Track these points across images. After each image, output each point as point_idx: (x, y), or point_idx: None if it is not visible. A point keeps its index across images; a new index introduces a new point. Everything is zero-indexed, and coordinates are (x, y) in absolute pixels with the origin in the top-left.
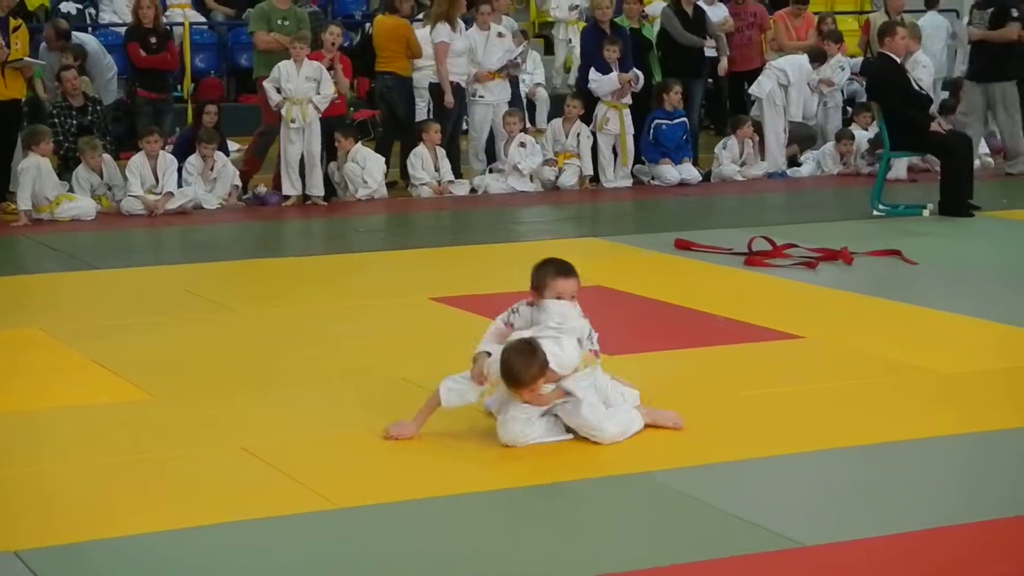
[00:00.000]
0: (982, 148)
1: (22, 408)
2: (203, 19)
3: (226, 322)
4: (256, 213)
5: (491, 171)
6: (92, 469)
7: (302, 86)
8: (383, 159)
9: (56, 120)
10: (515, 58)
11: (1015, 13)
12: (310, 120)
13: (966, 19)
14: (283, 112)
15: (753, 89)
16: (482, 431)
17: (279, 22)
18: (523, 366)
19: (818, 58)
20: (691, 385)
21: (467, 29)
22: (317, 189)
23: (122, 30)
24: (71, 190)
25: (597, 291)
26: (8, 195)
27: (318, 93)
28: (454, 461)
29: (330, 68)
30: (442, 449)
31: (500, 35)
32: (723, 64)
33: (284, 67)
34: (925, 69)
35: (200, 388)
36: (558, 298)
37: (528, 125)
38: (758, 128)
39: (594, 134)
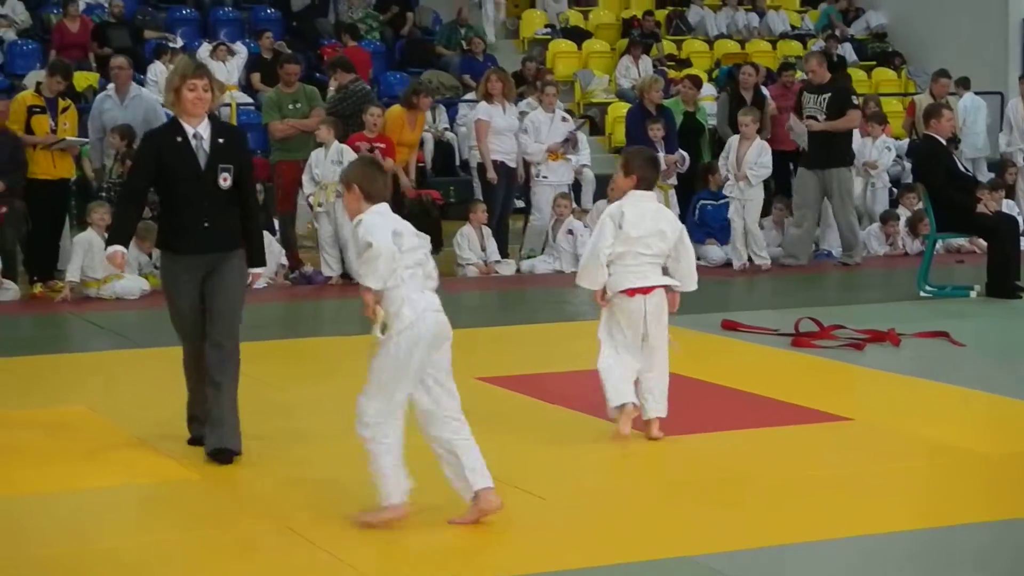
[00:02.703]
0: None
1: (69, 487)
2: (249, 100)
3: (272, 401)
4: (302, 292)
5: (532, 255)
6: (139, 548)
7: (328, 170)
8: (428, 238)
9: (107, 196)
10: (574, 131)
11: (856, 100)
12: (335, 203)
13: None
14: (309, 200)
15: None
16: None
17: (290, 107)
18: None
19: None
20: (739, 467)
21: (515, 109)
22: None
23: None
24: None
25: None
26: (56, 273)
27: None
28: (477, 542)
29: (371, 150)
30: (461, 530)
31: (564, 119)
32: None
33: (315, 155)
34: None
35: (246, 467)
36: None
37: (574, 205)
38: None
39: None
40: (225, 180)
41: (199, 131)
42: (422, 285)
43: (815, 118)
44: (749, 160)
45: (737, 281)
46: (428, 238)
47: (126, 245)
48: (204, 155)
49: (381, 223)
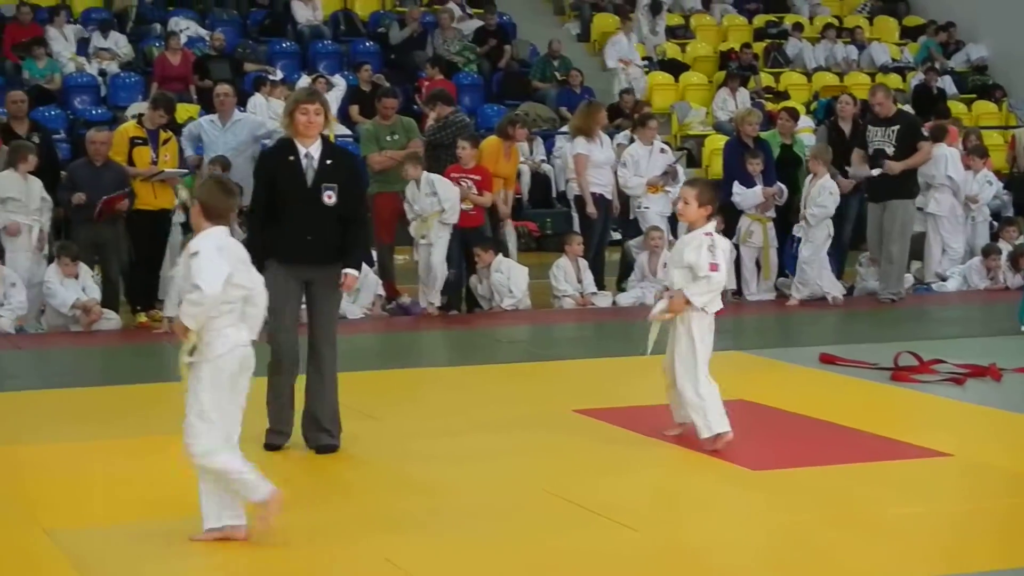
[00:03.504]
0: None
1: (171, 515)
2: (348, 132)
3: (371, 431)
4: (399, 323)
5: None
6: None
7: (425, 202)
8: (526, 269)
9: None
10: (673, 164)
11: (926, 132)
12: (437, 235)
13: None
14: (411, 230)
15: (932, 208)
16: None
17: (388, 139)
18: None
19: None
20: (835, 502)
21: (611, 142)
22: (435, 294)
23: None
24: None
25: (741, 405)
26: (157, 303)
27: (441, 208)
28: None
29: (457, 181)
30: (552, 559)
31: (662, 151)
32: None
33: (410, 190)
34: (832, 196)
35: (344, 494)
36: None
37: (670, 238)
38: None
39: (737, 247)
40: (329, 198)
41: (310, 151)
42: (239, 319)
43: (883, 151)
44: (812, 198)
45: (834, 315)
46: (259, 277)
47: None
48: (312, 174)
49: (215, 266)
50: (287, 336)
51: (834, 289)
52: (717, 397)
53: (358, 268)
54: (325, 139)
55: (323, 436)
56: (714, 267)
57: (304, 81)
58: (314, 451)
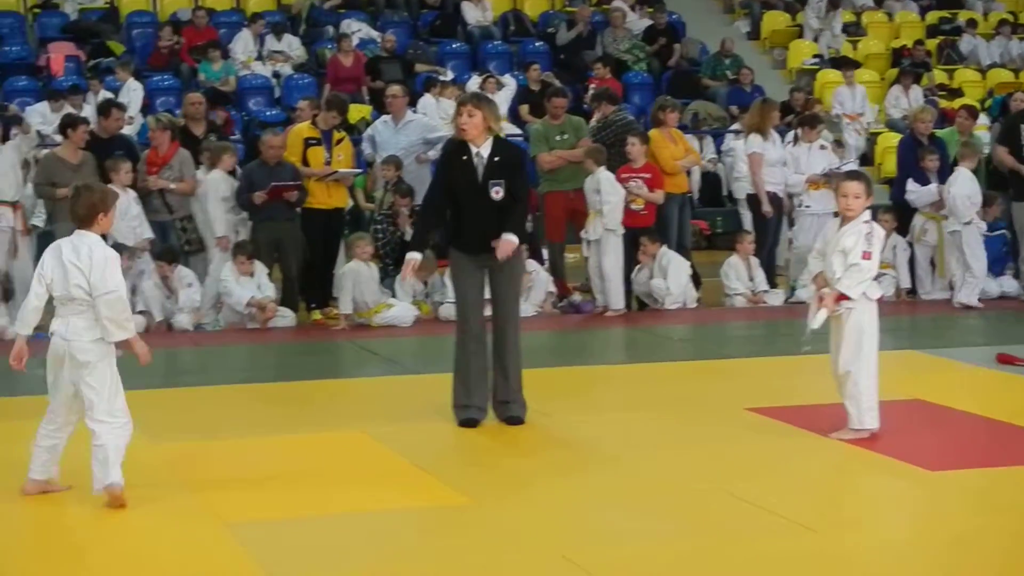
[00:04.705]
0: None
1: (346, 510)
2: (518, 131)
3: (543, 427)
4: (570, 321)
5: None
6: (413, 574)
7: (591, 199)
8: (687, 263)
9: (380, 227)
10: (838, 168)
11: None
12: (600, 233)
13: None
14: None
15: None
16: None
17: (557, 138)
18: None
19: None
20: (1016, 505)
21: (782, 141)
22: (615, 301)
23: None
24: (394, 295)
25: (917, 405)
26: (331, 300)
27: (600, 208)
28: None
29: (625, 182)
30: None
31: (822, 147)
32: None
33: (587, 182)
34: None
35: (519, 492)
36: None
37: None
38: None
39: (911, 245)
40: (497, 193)
41: (480, 151)
42: (67, 312)
43: None
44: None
45: (1011, 314)
46: (109, 282)
47: (423, 251)
48: (482, 171)
49: (37, 276)
50: (474, 317)
51: (970, 297)
52: (875, 392)
53: (515, 234)
54: (496, 137)
55: (511, 408)
56: (866, 255)
57: (474, 81)
58: (504, 423)
